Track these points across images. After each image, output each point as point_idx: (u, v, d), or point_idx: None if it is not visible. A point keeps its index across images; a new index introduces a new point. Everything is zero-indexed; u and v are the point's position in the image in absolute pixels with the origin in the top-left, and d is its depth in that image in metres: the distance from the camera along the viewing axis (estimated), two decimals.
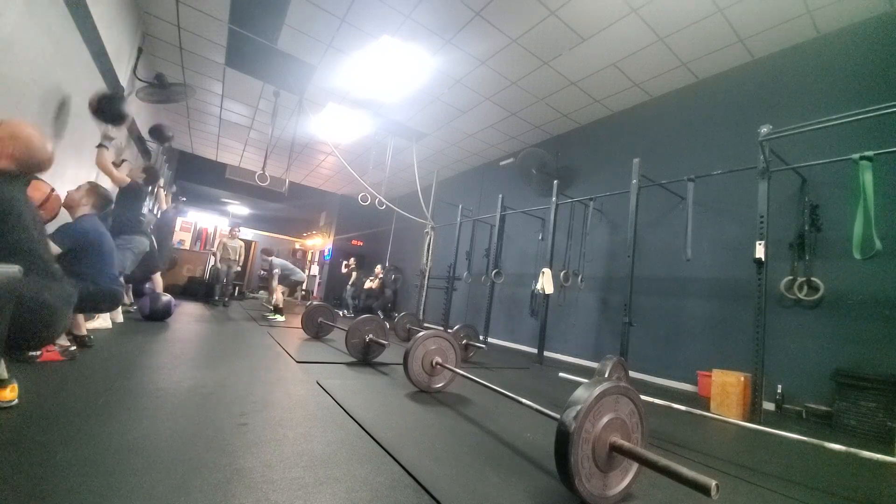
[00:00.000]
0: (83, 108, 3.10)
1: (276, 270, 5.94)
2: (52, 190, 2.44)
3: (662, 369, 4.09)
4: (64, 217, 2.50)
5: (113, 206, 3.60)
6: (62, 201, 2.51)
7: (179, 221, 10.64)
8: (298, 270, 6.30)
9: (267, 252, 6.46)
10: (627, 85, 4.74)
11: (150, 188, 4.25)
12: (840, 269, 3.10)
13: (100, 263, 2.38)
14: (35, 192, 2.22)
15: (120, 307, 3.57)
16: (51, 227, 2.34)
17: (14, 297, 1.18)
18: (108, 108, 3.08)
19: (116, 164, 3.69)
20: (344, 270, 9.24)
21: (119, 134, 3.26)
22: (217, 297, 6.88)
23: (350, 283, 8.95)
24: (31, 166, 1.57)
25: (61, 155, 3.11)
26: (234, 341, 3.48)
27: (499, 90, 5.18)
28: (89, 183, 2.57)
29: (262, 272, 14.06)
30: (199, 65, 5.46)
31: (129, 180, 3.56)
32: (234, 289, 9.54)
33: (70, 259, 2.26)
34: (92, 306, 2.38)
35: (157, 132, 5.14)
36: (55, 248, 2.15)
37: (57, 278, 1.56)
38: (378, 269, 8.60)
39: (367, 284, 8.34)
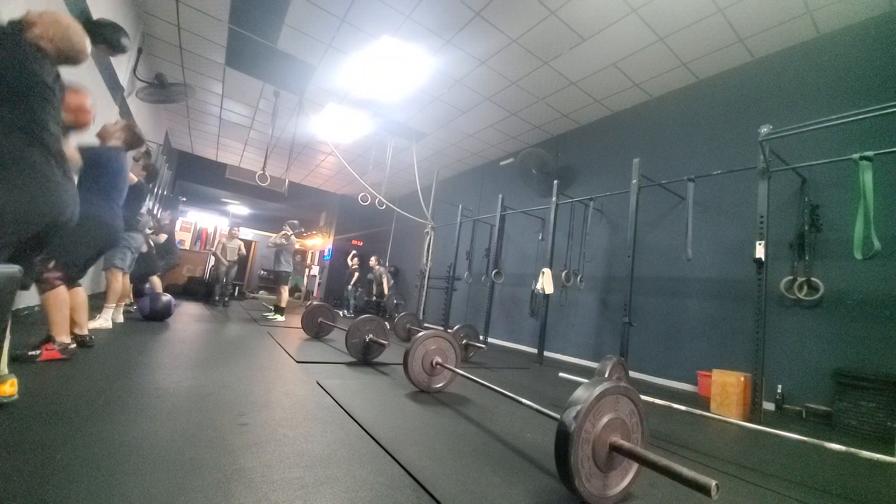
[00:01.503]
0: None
1: (283, 241, 5.82)
2: (91, 111, 2.41)
3: (662, 369, 4.09)
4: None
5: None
6: (97, 132, 2.56)
7: (179, 222, 10.64)
8: (290, 260, 6.12)
9: (291, 227, 6.13)
10: (627, 85, 4.74)
11: (150, 186, 4.25)
12: (840, 269, 3.10)
13: (111, 191, 2.43)
14: (73, 96, 2.16)
15: (121, 308, 3.58)
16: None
17: (14, 297, 1.18)
18: (109, 36, 3.10)
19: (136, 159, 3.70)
20: (350, 262, 9.12)
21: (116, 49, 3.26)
22: (217, 298, 6.88)
23: (352, 282, 8.95)
24: (66, 53, 1.62)
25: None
26: (234, 341, 3.48)
27: (499, 90, 5.18)
28: (125, 121, 2.66)
29: (263, 272, 14.08)
30: (199, 65, 5.46)
31: (136, 179, 3.56)
32: (235, 289, 9.55)
33: (84, 176, 2.31)
34: (86, 234, 2.27)
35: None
36: (77, 160, 2.17)
37: (61, 158, 1.59)
38: (373, 260, 8.56)
39: (352, 263, 8.29)
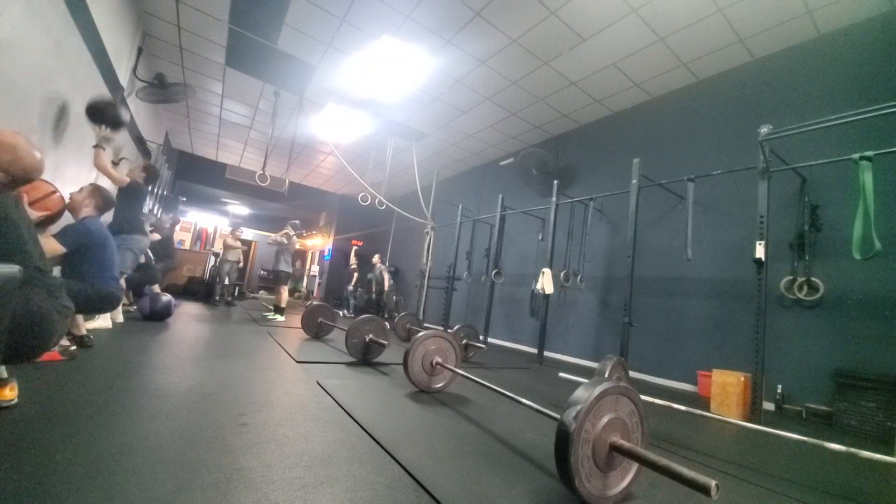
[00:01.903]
0: (83, 108, 3.10)
1: (284, 240, 5.79)
2: (55, 191, 2.44)
3: (662, 369, 4.09)
4: (67, 219, 2.51)
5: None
6: (65, 203, 2.52)
7: (179, 223, 10.62)
8: (289, 260, 6.12)
9: (293, 227, 6.08)
10: (627, 85, 4.74)
11: (150, 187, 4.25)
12: (840, 269, 3.10)
13: (101, 265, 2.39)
14: (33, 190, 2.22)
15: (120, 307, 3.58)
16: (54, 228, 2.35)
17: (14, 297, 1.17)
18: (104, 114, 3.09)
19: (115, 163, 3.68)
20: (353, 265, 9.20)
21: (116, 134, 3.25)
22: (217, 298, 6.91)
23: (352, 283, 8.96)
24: (19, 175, 1.53)
25: (62, 155, 3.11)
26: (234, 341, 3.48)
27: (499, 90, 5.18)
28: (91, 185, 2.59)
29: (263, 272, 14.08)
30: (199, 65, 5.46)
31: (128, 180, 3.56)
32: (235, 289, 9.55)
33: (72, 260, 2.27)
34: (91, 308, 2.39)
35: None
36: (59, 249, 2.16)
37: (52, 288, 1.53)
38: (376, 258, 8.58)
39: (353, 264, 8.32)
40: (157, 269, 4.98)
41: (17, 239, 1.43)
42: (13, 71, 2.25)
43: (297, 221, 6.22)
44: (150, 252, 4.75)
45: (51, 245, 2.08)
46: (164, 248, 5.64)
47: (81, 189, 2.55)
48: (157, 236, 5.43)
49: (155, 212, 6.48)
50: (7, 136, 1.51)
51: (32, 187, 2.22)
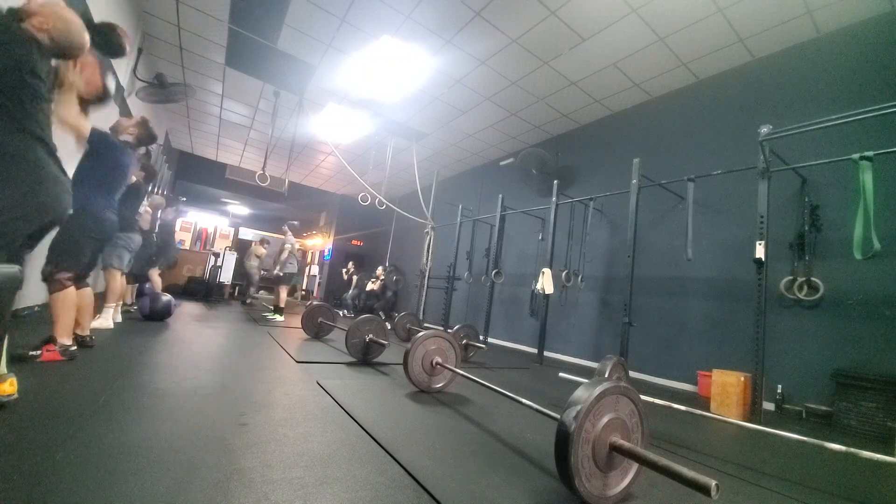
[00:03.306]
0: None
1: (288, 246, 5.87)
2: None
3: (662, 369, 4.09)
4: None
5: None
6: (111, 126, 2.56)
7: (179, 222, 10.64)
8: (295, 261, 6.21)
9: (290, 227, 6.18)
10: (627, 85, 4.74)
11: (149, 186, 4.24)
12: (840, 269, 3.10)
13: (106, 181, 2.39)
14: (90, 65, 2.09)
15: (120, 307, 3.58)
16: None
17: (14, 297, 1.18)
18: (109, 40, 3.07)
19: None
20: (346, 277, 9.27)
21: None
22: (247, 299, 8.07)
23: (352, 287, 8.96)
24: (64, 47, 1.59)
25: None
26: (234, 341, 3.48)
27: (499, 90, 5.18)
28: (142, 117, 2.68)
29: (263, 272, 14.07)
30: (199, 65, 5.46)
31: (133, 179, 3.56)
32: (235, 289, 9.57)
33: (83, 163, 2.29)
34: (79, 227, 2.21)
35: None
36: (85, 133, 2.10)
37: (54, 151, 1.59)
38: (379, 270, 8.59)
39: (370, 287, 8.36)
40: (153, 254, 4.88)
41: (39, 98, 1.48)
42: None
43: (295, 222, 6.23)
44: (153, 236, 4.70)
45: (81, 124, 2.01)
46: (166, 241, 5.54)
47: (132, 118, 2.63)
48: (147, 215, 5.27)
49: (158, 211, 6.42)
50: (63, 9, 1.58)
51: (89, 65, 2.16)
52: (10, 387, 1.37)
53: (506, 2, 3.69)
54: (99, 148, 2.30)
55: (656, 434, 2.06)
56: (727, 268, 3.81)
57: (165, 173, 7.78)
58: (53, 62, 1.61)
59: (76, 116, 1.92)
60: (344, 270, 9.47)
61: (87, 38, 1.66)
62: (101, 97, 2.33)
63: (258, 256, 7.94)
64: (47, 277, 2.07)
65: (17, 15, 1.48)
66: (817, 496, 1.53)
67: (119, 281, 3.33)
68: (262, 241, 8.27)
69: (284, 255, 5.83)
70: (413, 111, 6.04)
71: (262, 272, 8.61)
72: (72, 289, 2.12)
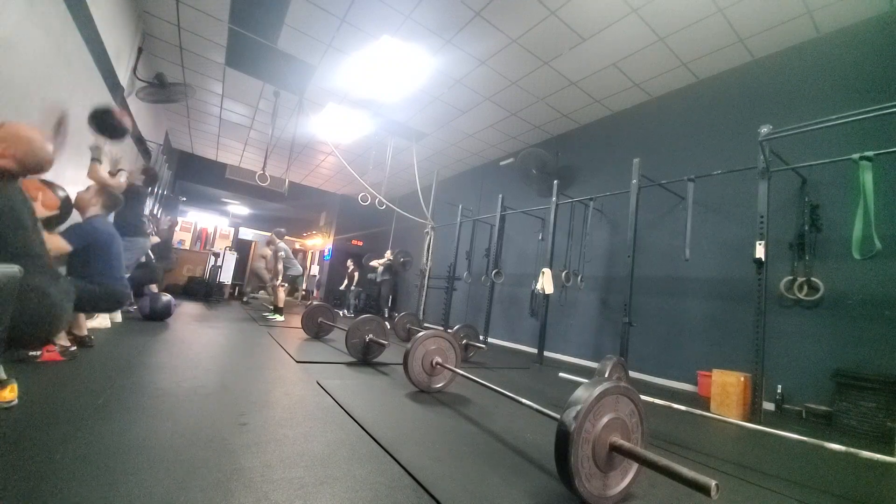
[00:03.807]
0: (84, 108, 3.10)
1: (281, 254, 5.92)
2: (64, 191, 2.45)
3: (662, 369, 4.09)
4: (75, 219, 2.51)
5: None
6: (73, 201, 2.53)
7: (179, 222, 10.62)
8: (297, 264, 6.27)
9: (277, 235, 6.23)
10: (627, 85, 4.74)
11: (150, 189, 4.24)
12: (840, 269, 3.10)
13: (108, 264, 2.39)
14: (39, 191, 2.23)
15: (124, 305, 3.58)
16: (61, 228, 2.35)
17: (14, 297, 1.18)
18: (104, 123, 3.07)
19: (112, 174, 3.68)
20: (349, 274, 9.27)
21: (116, 144, 3.23)
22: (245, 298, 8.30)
23: (353, 284, 8.98)
24: (31, 166, 1.59)
25: (62, 156, 3.10)
26: (234, 341, 3.48)
27: (499, 90, 5.18)
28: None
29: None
30: (199, 65, 5.46)
31: (125, 186, 3.56)
32: (235, 289, 9.57)
33: (79, 259, 2.27)
34: (95, 306, 2.38)
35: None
36: (66, 247, 2.16)
37: (55, 275, 1.59)
38: (388, 253, 8.61)
39: (374, 262, 8.42)
40: (157, 269, 4.97)
41: (23, 233, 1.48)
42: (13, 71, 2.25)
43: (282, 230, 6.26)
44: (150, 252, 4.74)
45: (57, 243, 2.09)
46: (162, 250, 5.63)
47: (88, 188, 2.57)
48: (156, 239, 5.44)
49: (155, 213, 6.47)
50: (23, 129, 1.58)
51: (39, 188, 2.23)
52: (10, 393, 1.37)
53: (506, 2, 3.69)
54: (78, 243, 2.27)
55: (656, 434, 2.06)
56: (727, 268, 3.81)
57: (165, 173, 7.78)
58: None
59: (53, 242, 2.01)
60: (348, 272, 9.44)
61: (51, 150, 1.65)
62: (112, 205, 2.62)
63: (263, 257, 7.90)
64: None
65: None
66: (817, 496, 1.53)
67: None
68: (269, 242, 8.32)
69: (279, 263, 5.87)
70: (413, 111, 6.03)
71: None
72: None
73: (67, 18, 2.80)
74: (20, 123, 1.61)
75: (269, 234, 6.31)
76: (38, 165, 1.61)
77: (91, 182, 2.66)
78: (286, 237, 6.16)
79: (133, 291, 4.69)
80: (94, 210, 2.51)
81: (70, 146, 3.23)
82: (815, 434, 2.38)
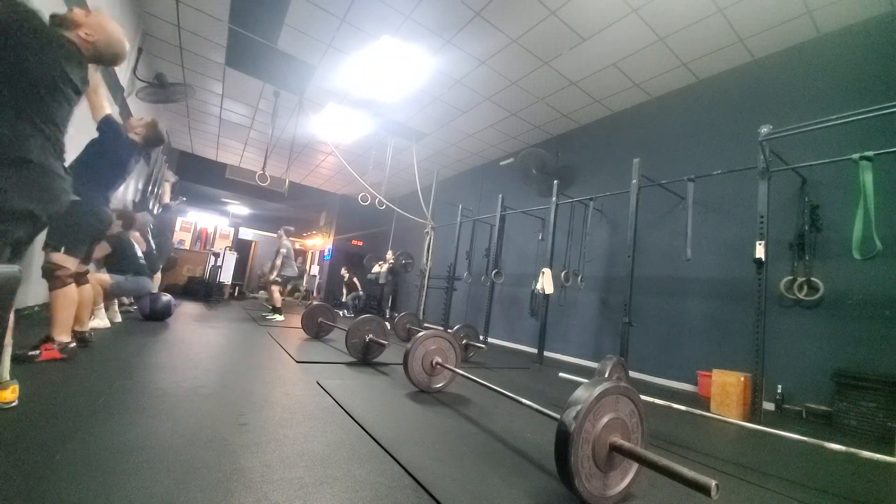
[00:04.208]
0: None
1: (283, 251, 5.91)
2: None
3: (662, 369, 4.09)
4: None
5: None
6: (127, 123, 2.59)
7: (179, 222, 10.63)
8: (294, 265, 6.25)
9: (285, 232, 6.25)
10: (627, 85, 4.74)
11: (147, 152, 4.17)
12: (840, 269, 3.10)
13: (104, 174, 2.36)
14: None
15: (118, 307, 3.58)
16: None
17: (15, 298, 1.18)
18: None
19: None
20: (346, 280, 9.25)
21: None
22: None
23: (350, 293, 8.97)
24: (108, 57, 1.70)
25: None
26: (234, 341, 3.48)
27: (499, 90, 5.18)
28: (153, 118, 2.68)
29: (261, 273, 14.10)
30: (199, 65, 5.46)
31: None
32: (235, 289, 9.57)
33: (85, 151, 2.28)
34: (71, 220, 2.11)
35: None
36: (104, 109, 2.22)
37: (61, 153, 1.61)
38: (389, 254, 8.60)
39: (375, 269, 8.39)
40: (155, 257, 4.89)
41: (55, 106, 1.49)
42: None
43: (290, 228, 6.27)
44: (150, 239, 4.69)
45: (99, 101, 2.20)
46: (160, 241, 5.53)
47: (142, 118, 2.63)
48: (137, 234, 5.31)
49: (154, 207, 6.40)
50: (110, 22, 1.70)
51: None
52: (11, 394, 1.37)
53: (506, 2, 3.69)
54: (106, 137, 2.28)
55: (656, 434, 2.06)
56: (727, 268, 3.81)
57: (165, 173, 7.77)
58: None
59: (99, 97, 2.16)
60: (345, 277, 9.38)
61: (127, 47, 1.75)
62: (151, 141, 2.63)
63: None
64: (49, 274, 2.06)
65: (62, 22, 1.55)
66: (817, 496, 1.53)
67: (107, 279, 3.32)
68: (279, 237, 8.16)
69: (278, 259, 5.87)
70: (413, 111, 6.03)
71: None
72: (73, 286, 2.12)
73: None
74: (108, 17, 1.70)
75: (271, 234, 6.33)
76: (113, 57, 1.72)
77: (148, 117, 2.73)
78: (288, 239, 6.15)
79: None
80: (135, 137, 2.54)
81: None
82: (815, 434, 2.38)
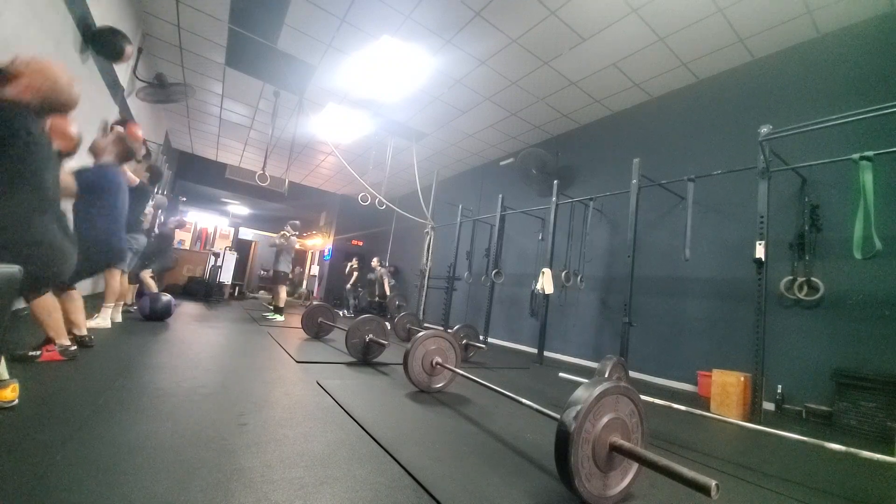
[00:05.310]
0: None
1: (296, 246, 5.89)
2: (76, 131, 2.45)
3: (662, 369, 4.09)
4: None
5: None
6: (88, 147, 2.53)
7: (185, 223, 10.62)
8: (288, 262, 6.14)
9: (292, 227, 6.15)
10: (627, 85, 4.74)
11: (154, 188, 4.24)
12: (840, 269, 3.10)
13: (111, 213, 2.37)
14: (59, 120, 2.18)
15: (119, 307, 3.58)
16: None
17: (14, 298, 1.18)
18: (105, 41, 3.08)
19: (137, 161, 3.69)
20: (348, 271, 9.22)
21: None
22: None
23: (351, 282, 8.96)
24: (53, 104, 1.58)
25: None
26: (234, 341, 3.48)
27: (499, 90, 5.18)
28: (117, 133, 2.61)
29: (263, 272, 14.08)
30: (199, 65, 5.46)
31: (137, 181, 3.56)
32: (235, 289, 9.56)
33: (83, 201, 2.26)
34: (90, 257, 2.26)
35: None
36: (73, 186, 2.15)
37: (62, 219, 1.60)
38: (375, 261, 8.57)
39: (386, 285, 8.40)
40: (151, 257, 4.88)
41: (37, 164, 1.46)
42: None
43: (296, 221, 6.24)
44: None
45: (65, 180, 2.06)
46: (161, 245, 5.57)
47: (107, 135, 2.59)
48: (149, 216, 5.31)
49: (163, 208, 6.39)
50: (50, 66, 1.57)
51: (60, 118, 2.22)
52: (11, 393, 1.37)
53: (506, 2, 3.69)
54: (86, 185, 2.25)
55: (656, 434, 2.06)
56: (727, 268, 3.81)
57: (166, 173, 7.77)
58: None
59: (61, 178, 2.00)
60: (349, 266, 9.34)
61: (76, 91, 1.64)
62: (125, 156, 2.57)
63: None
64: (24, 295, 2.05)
65: (3, 76, 1.46)
66: (817, 496, 1.53)
67: (119, 280, 3.33)
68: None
69: (278, 240, 5.87)
70: (413, 111, 6.03)
71: (262, 272, 8.55)
72: (48, 295, 2.09)
73: (67, 18, 2.80)
74: (48, 60, 1.59)
75: (271, 234, 6.30)
76: (59, 104, 1.60)
77: (113, 133, 2.67)
78: (293, 234, 6.11)
79: (136, 287, 4.68)
80: (108, 158, 2.49)
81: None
82: (815, 434, 2.38)
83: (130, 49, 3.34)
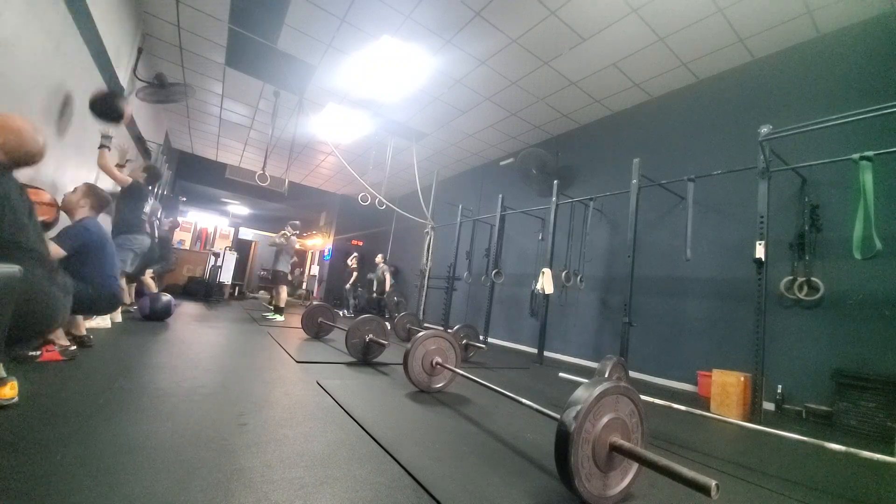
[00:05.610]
0: (83, 108, 3.10)
1: (296, 247, 5.88)
2: (54, 199, 2.46)
3: (662, 369, 4.09)
4: (64, 221, 2.49)
5: (114, 205, 3.61)
6: (59, 205, 2.50)
7: (180, 222, 10.61)
8: (286, 262, 6.16)
9: (292, 227, 6.18)
10: (627, 85, 4.74)
11: (151, 187, 4.24)
12: (840, 269, 3.10)
13: (102, 266, 2.38)
14: (35, 196, 2.22)
15: (119, 307, 3.58)
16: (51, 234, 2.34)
17: (14, 298, 1.18)
18: (105, 106, 3.07)
19: (121, 166, 3.69)
20: (350, 263, 9.17)
21: (119, 133, 3.23)
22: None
23: (351, 282, 8.95)
24: (21, 158, 1.55)
25: (62, 155, 3.11)
26: (234, 341, 3.48)
27: (499, 90, 5.18)
28: (86, 184, 2.56)
29: (263, 272, 14.08)
30: (199, 65, 5.46)
31: (130, 180, 3.56)
32: (235, 289, 9.55)
33: (72, 262, 2.25)
34: (93, 308, 2.38)
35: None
36: (60, 252, 2.15)
37: (53, 269, 1.58)
38: (379, 258, 8.56)
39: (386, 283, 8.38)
40: (155, 256, 4.88)
41: (15, 219, 1.44)
42: (13, 71, 2.25)
43: (296, 222, 6.24)
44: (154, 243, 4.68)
45: (51, 248, 2.07)
46: (162, 250, 5.60)
47: (76, 189, 2.50)
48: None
49: (157, 214, 6.42)
50: (12, 119, 1.54)
51: (34, 195, 2.22)
52: (10, 390, 1.37)
53: (506, 2, 3.69)
54: (71, 249, 2.24)
55: (656, 434, 2.06)
56: (727, 268, 3.81)
57: (166, 173, 7.77)
58: None
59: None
60: (351, 257, 9.29)
61: (41, 142, 1.61)
62: (100, 206, 2.59)
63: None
64: None
65: None
66: (817, 496, 1.53)
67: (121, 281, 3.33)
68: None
69: (278, 239, 5.88)
70: (413, 111, 6.03)
71: (262, 272, 8.53)
72: None
73: (67, 18, 2.79)
74: (9, 114, 1.57)
75: (271, 234, 6.28)
76: (27, 157, 1.56)
77: (76, 186, 2.63)
78: (293, 234, 6.11)
79: (134, 287, 4.67)
80: (83, 212, 2.45)
81: (70, 146, 3.23)
82: (815, 434, 2.38)
83: (130, 109, 3.37)
